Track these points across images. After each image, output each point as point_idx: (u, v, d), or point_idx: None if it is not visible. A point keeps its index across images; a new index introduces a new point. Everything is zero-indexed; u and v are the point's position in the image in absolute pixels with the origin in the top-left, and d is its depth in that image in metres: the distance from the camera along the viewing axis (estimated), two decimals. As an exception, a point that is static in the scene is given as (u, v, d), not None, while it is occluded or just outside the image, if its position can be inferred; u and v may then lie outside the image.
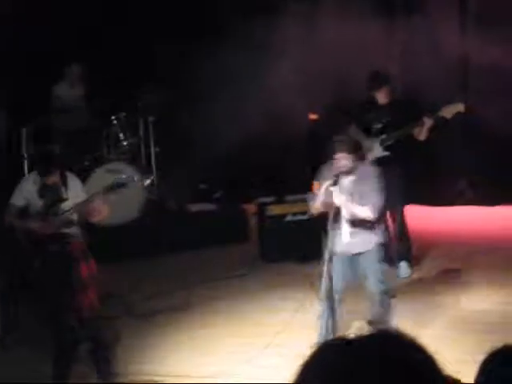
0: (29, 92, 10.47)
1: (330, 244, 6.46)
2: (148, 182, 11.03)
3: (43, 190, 7.03)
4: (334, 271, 6.50)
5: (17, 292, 8.31)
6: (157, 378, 6.78)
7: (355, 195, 6.51)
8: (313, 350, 1.61)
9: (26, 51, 10.52)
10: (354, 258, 6.76)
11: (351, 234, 6.61)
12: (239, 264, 9.70)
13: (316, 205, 6.54)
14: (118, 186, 7.02)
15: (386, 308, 6.90)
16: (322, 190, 6.43)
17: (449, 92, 10.23)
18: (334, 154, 6.49)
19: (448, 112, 8.60)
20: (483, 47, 10.06)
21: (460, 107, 8.60)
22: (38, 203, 6.98)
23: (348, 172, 6.51)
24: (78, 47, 10.77)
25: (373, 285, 6.82)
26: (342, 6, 10.80)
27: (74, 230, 6.98)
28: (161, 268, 9.69)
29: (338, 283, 6.63)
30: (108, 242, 9.52)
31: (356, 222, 6.61)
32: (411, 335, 1.61)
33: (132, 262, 9.69)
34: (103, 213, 6.94)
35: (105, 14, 11.26)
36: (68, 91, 11.02)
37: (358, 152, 6.61)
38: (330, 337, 6.60)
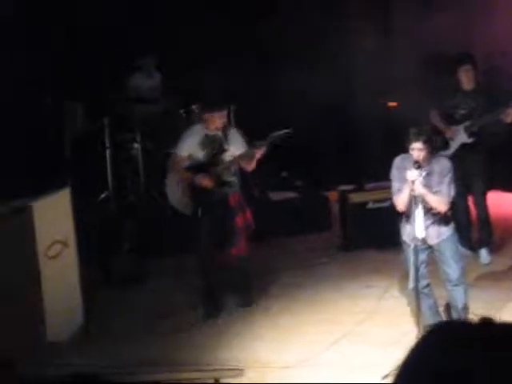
0: (105, 84, 10.60)
1: (406, 234, 6.56)
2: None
3: (205, 141, 7.33)
4: (414, 259, 6.47)
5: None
6: (238, 366, 6.79)
7: (429, 187, 6.48)
8: (417, 340, 1.56)
9: (103, 44, 10.63)
10: (431, 247, 6.74)
11: (426, 225, 6.55)
12: (321, 252, 9.67)
13: (403, 199, 6.48)
14: (276, 138, 7.37)
15: (462, 295, 6.82)
16: (409, 183, 6.37)
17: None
18: (410, 144, 6.44)
19: None
20: None
21: None
22: (199, 154, 7.32)
23: (423, 163, 6.44)
24: (153, 38, 10.85)
25: (450, 273, 6.75)
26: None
27: (234, 182, 7.46)
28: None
29: (421, 271, 6.61)
30: (185, 231, 9.55)
31: (431, 214, 6.58)
32: None
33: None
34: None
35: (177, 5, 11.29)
36: (145, 82, 11.11)
37: (433, 143, 6.54)
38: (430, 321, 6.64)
